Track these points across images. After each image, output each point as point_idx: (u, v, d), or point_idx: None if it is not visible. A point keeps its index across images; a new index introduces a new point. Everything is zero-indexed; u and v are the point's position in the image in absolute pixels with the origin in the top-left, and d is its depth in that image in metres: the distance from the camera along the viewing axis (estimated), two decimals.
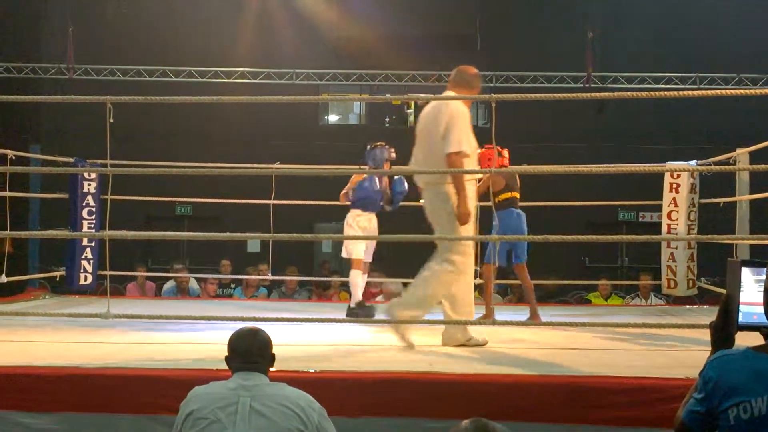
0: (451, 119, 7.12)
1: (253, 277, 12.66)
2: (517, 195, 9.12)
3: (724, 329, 3.41)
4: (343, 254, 9.62)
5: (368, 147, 9.60)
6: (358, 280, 9.35)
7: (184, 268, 13.49)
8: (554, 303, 12.35)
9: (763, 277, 3.29)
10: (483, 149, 8.24)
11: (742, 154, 10.07)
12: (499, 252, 8.84)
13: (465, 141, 7.13)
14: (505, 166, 8.74)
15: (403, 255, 15.95)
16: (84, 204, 10.97)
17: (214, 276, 13.06)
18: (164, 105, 16.38)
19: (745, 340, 3.36)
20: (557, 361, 6.50)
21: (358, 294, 9.34)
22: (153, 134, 17.36)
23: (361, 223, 9.32)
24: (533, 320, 8.72)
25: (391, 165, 9.42)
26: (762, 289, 3.29)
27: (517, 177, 9.17)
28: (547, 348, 7.19)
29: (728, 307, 3.38)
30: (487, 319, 8.28)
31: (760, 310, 3.27)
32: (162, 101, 9.40)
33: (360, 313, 9.13)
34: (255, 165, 11.06)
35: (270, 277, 12.03)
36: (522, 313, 9.19)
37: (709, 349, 3.43)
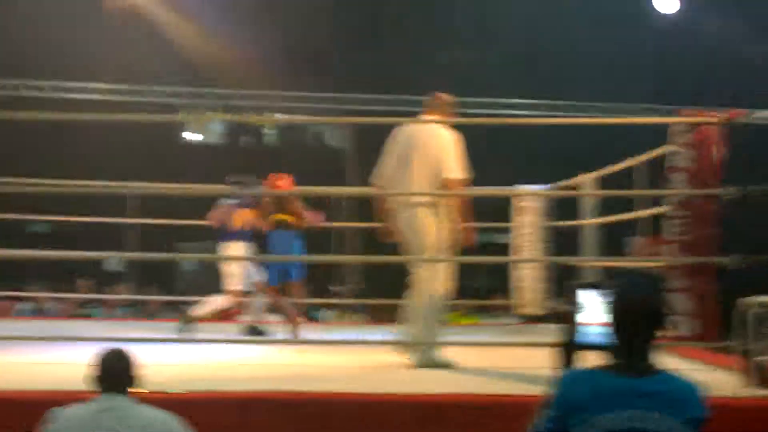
0: (450, 144, 7.30)
1: (113, 297, 12.59)
2: (289, 218, 9.59)
3: (566, 348, 3.60)
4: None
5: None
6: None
7: (42, 288, 13.31)
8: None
9: (600, 298, 3.48)
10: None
11: (586, 179, 10.35)
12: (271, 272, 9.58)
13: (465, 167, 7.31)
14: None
15: None
16: None
17: (70, 295, 12.93)
18: (20, 121, 16.14)
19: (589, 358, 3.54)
20: (417, 379, 6.67)
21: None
22: (9, 150, 17.07)
23: None
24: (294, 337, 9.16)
25: None
26: (600, 310, 3.48)
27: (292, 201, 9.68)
28: (410, 366, 7.28)
29: (567, 326, 3.57)
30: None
31: (598, 329, 3.46)
32: (14, 118, 9.30)
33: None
34: (113, 182, 10.99)
35: (131, 296, 11.99)
36: (382, 333, 9.37)
37: (556, 367, 3.62)
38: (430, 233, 7.26)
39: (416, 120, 7.76)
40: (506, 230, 10.87)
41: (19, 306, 13.16)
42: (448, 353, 7.41)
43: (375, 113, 17.07)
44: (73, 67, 17.84)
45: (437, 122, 7.50)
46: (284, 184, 9.62)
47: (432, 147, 7.29)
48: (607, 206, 10.28)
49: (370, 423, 5.64)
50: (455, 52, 17.86)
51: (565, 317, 3.63)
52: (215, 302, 9.68)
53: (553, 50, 18.36)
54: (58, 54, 17.93)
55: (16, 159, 16.77)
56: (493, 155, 16.57)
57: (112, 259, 16.20)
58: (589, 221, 10.41)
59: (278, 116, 19.29)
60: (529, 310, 10.83)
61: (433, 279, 7.28)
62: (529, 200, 10.67)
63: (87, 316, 12.79)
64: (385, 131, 15.30)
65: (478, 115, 16.61)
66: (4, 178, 10.92)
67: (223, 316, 12.62)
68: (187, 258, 9.95)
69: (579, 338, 3.59)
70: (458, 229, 7.35)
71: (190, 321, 9.50)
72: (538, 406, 3.51)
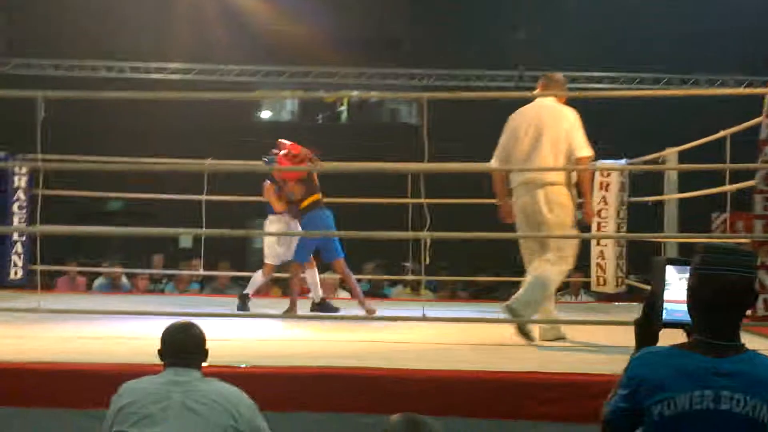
0: (576, 122, 7.38)
1: (185, 272, 12.61)
2: (319, 196, 9.54)
3: (648, 326, 3.46)
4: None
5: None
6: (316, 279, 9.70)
7: (116, 264, 13.39)
8: (486, 300, 12.41)
9: (687, 275, 3.34)
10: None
11: (670, 153, 10.19)
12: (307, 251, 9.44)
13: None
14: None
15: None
16: (15, 199, 10.89)
17: (146, 271, 12.99)
18: (97, 100, 16.28)
19: (671, 337, 3.41)
20: (485, 357, 6.57)
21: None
22: (85, 129, 17.22)
23: None
24: (367, 311, 9.08)
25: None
26: (685, 287, 3.33)
27: (315, 178, 9.62)
28: (476, 344, 7.22)
29: (652, 304, 3.42)
30: (291, 312, 8.92)
31: (684, 307, 3.32)
32: (93, 96, 9.35)
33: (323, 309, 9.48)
34: (187, 161, 11.01)
35: (202, 272, 12.00)
36: (454, 310, 9.29)
37: (634, 345, 3.48)
38: (569, 211, 7.35)
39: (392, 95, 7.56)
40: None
41: (97, 282, 13.23)
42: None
43: (450, 89, 16.98)
44: (148, 48, 17.94)
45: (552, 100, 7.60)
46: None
47: (561, 126, 7.34)
48: (692, 181, 10.10)
49: (447, 400, 5.56)
50: (532, 25, 17.64)
51: (649, 294, 3.47)
52: (257, 278, 9.70)
53: (635, 21, 18.08)
54: (133, 34, 18.06)
55: (94, 138, 16.93)
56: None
57: (186, 235, 16.27)
58: (673, 196, 10.23)
59: (352, 93, 19.24)
60: (609, 287, 10.66)
61: (562, 257, 7.32)
62: (611, 175, 10.47)
63: (160, 292, 12.84)
64: (460, 107, 15.31)
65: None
66: (83, 157, 11.00)
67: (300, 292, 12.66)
68: (257, 234, 10.00)
69: (662, 316, 3.43)
70: (585, 206, 7.51)
71: (243, 299, 9.49)
72: (616, 385, 3.39)
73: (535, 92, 7.84)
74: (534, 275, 7.29)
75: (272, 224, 9.76)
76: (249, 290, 9.64)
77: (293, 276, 9.51)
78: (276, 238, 9.60)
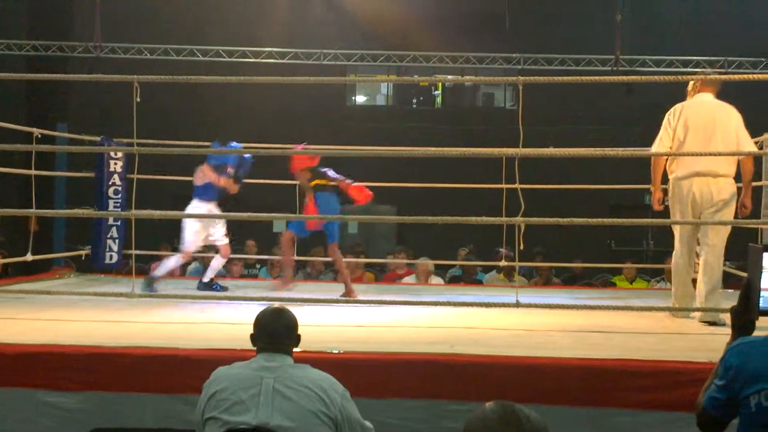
0: (741, 121, 7.73)
1: (279, 257, 12.66)
2: (324, 181, 9.69)
3: (745, 314, 3.37)
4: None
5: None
6: None
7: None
8: (579, 286, 12.31)
9: None
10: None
11: None
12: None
13: None
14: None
15: (423, 236, 16.02)
16: (110, 183, 11.02)
17: (239, 256, 13.05)
18: (191, 84, 16.45)
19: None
20: (579, 344, 6.50)
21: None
22: (179, 113, 17.40)
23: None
24: (348, 296, 9.11)
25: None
26: None
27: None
28: (570, 331, 7.16)
29: (749, 292, 3.34)
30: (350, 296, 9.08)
31: None
32: (189, 80, 9.41)
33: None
34: (281, 145, 11.04)
35: (295, 257, 12.02)
36: (548, 296, 9.20)
37: (730, 333, 3.40)
38: (733, 203, 7.72)
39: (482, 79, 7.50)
40: None
41: (191, 267, 13.34)
42: (619, 319, 7.60)
43: (545, 73, 16.84)
44: (243, 33, 18.05)
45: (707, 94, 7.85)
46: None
47: (732, 123, 7.66)
48: None
49: (539, 387, 5.52)
50: (627, 10, 17.41)
51: (746, 282, 3.38)
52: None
53: (733, 6, 17.82)
54: (228, 19, 18.19)
55: (189, 122, 17.09)
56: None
57: (280, 221, 16.33)
58: None
59: (448, 78, 19.16)
60: None
61: (722, 245, 7.69)
62: None
63: (254, 277, 12.91)
64: (553, 91, 15.18)
65: (652, 74, 16.25)
66: (177, 141, 11.10)
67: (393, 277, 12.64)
68: (350, 219, 9.99)
69: (760, 304, 3.34)
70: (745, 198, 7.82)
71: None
72: (712, 374, 3.31)
73: (690, 88, 8.01)
74: (709, 265, 7.60)
75: (198, 209, 9.97)
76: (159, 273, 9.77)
77: (339, 259, 9.57)
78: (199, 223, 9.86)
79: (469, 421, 2.50)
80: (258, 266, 13.41)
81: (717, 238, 7.61)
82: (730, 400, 3.18)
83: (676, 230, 7.93)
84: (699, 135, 7.64)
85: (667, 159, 7.91)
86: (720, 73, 9.93)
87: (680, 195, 7.75)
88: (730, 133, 7.62)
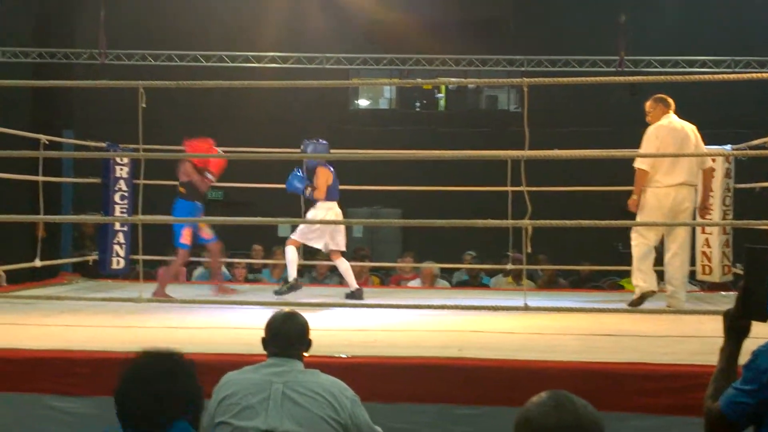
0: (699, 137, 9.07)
1: (282, 261, 12.65)
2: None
3: (742, 318, 3.31)
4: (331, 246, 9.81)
5: (306, 141, 9.88)
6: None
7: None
8: (587, 289, 12.29)
9: None
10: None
11: None
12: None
13: None
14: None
15: (428, 240, 15.99)
16: (116, 188, 11.04)
17: (245, 260, 13.05)
18: (195, 90, 16.43)
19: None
20: (588, 348, 6.48)
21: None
22: (184, 119, 17.39)
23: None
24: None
25: None
26: None
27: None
28: (578, 334, 7.14)
29: (746, 295, 3.28)
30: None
31: None
32: (192, 86, 9.42)
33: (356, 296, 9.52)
34: (285, 150, 11.04)
35: (300, 261, 12.01)
36: (556, 299, 9.23)
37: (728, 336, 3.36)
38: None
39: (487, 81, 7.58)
40: None
41: (197, 272, 13.34)
42: (626, 322, 7.68)
43: (548, 75, 16.82)
44: (245, 37, 18.06)
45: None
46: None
47: (697, 140, 8.96)
48: None
49: (542, 389, 5.48)
50: (631, 11, 17.38)
51: (742, 285, 3.33)
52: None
53: (736, 6, 17.79)
54: (229, 25, 18.21)
55: (192, 128, 17.08)
56: (678, 116, 16.21)
57: (285, 225, 16.34)
58: None
59: (451, 80, 19.15)
60: (714, 276, 10.46)
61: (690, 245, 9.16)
62: (716, 161, 10.26)
63: (259, 281, 12.90)
64: (557, 93, 15.14)
65: (657, 74, 16.24)
66: (181, 147, 11.11)
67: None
68: (356, 223, 9.96)
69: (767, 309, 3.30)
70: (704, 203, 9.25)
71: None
72: (715, 377, 3.28)
73: (653, 109, 9.10)
74: (682, 260, 8.89)
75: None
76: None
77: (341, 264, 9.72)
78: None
79: (524, 409, 2.51)
80: (262, 270, 13.42)
81: (678, 237, 8.93)
82: (760, 405, 3.12)
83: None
84: (673, 150, 8.81)
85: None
86: (727, 73, 9.94)
87: (657, 199, 8.81)
88: (696, 149, 8.94)
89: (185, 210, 9.73)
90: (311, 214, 9.65)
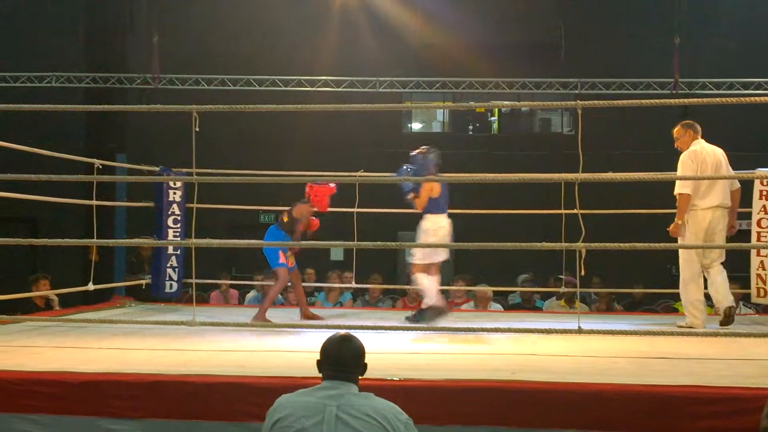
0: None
1: (337, 285, 12.67)
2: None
3: None
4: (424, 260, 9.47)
5: (414, 152, 9.59)
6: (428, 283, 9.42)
7: (268, 277, 13.53)
8: (641, 312, 12.21)
9: None
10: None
11: None
12: None
13: None
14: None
15: (481, 263, 15.94)
16: (169, 212, 11.11)
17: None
18: (248, 114, 16.55)
19: None
20: (643, 371, 6.42)
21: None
22: (237, 143, 17.50)
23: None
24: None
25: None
26: None
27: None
28: (634, 357, 7.08)
29: None
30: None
31: None
32: (246, 110, 9.45)
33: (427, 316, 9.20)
34: (338, 173, 11.06)
35: (354, 285, 12.02)
36: (609, 322, 9.16)
37: None
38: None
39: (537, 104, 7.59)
40: (747, 216, 10.41)
41: (249, 295, 13.40)
42: (681, 345, 7.69)
43: (602, 97, 16.76)
44: (298, 62, 18.14)
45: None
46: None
47: (727, 164, 9.21)
48: None
49: (603, 414, 5.46)
50: (685, 32, 17.30)
51: None
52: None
53: None
54: (283, 49, 18.30)
55: (245, 152, 17.17)
56: (732, 138, 16.11)
57: (338, 248, 16.39)
58: None
59: (504, 104, 19.13)
60: None
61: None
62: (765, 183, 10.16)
63: (312, 305, 12.90)
64: (611, 116, 15.07)
65: (711, 96, 16.13)
66: (235, 171, 11.16)
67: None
68: (408, 246, 9.95)
69: None
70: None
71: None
72: None
73: (683, 135, 9.36)
74: (722, 276, 9.13)
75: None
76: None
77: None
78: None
79: None
80: (316, 293, 13.42)
81: (712, 256, 9.19)
82: None
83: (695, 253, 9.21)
84: (710, 174, 9.07)
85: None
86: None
87: (697, 222, 9.05)
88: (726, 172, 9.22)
89: (277, 238, 9.71)
90: (421, 226, 9.45)
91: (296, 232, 9.77)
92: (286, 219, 9.68)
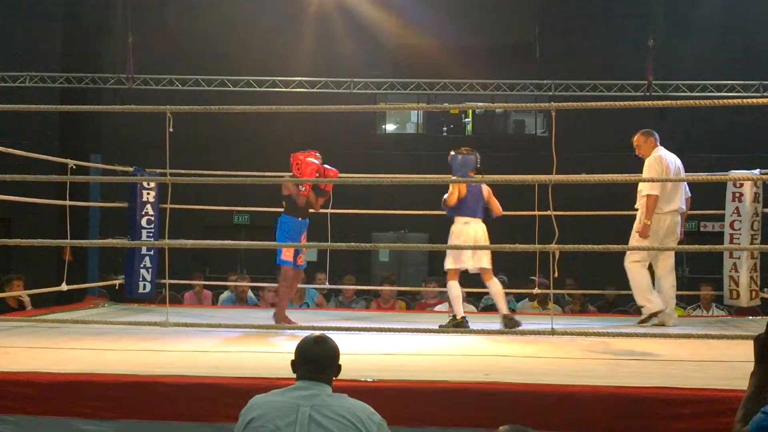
0: None
1: (311, 286, 12.65)
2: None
3: None
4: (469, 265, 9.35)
5: (452, 153, 9.52)
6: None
7: (242, 278, 13.51)
8: (614, 313, 12.26)
9: None
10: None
11: None
12: None
13: None
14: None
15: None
16: (143, 213, 11.08)
17: (272, 285, 13.06)
18: (222, 114, 16.52)
19: None
20: (616, 372, 6.45)
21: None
22: (212, 143, 17.48)
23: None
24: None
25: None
26: None
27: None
28: (607, 358, 7.12)
29: None
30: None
31: None
32: (220, 111, 9.42)
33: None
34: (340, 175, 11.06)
35: (328, 285, 12.02)
36: (582, 323, 9.19)
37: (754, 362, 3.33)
38: None
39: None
40: (719, 218, 10.46)
41: (223, 296, 13.38)
42: (654, 346, 7.69)
43: (576, 99, 16.81)
44: (272, 62, 18.13)
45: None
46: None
47: (684, 172, 9.68)
48: None
49: (576, 414, 5.48)
50: (659, 35, 17.36)
51: None
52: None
53: (763, 30, 17.76)
54: (257, 50, 18.29)
55: (219, 152, 17.16)
56: (706, 140, 16.19)
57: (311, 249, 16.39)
58: None
59: (478, 105, 19.16)
60: (742, 301, 10.41)
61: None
62: (744, 186, 10.22)
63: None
64: (585, 118, 15.11)
65: (685, 98, 16.20)
66: (209, 171, 11.14)
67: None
68: (383, 247, 9.91)
69: None
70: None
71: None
72: (746, 401, 3.26)
73: (643, 143, 9.69)
74: (672, 282, 9.61)
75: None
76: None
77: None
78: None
79: None
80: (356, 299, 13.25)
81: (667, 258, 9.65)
82: None
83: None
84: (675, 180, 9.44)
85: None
86: (755, 98, 9.94)
87: (660, 224, 9.35)
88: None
89: (287, 226, 9.27)
90: (452, 230, 9.39)
91: (301, 208, 9.34)
92: (284, 203, 9.53)
